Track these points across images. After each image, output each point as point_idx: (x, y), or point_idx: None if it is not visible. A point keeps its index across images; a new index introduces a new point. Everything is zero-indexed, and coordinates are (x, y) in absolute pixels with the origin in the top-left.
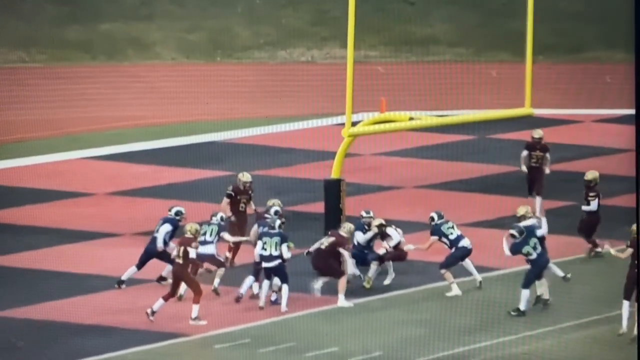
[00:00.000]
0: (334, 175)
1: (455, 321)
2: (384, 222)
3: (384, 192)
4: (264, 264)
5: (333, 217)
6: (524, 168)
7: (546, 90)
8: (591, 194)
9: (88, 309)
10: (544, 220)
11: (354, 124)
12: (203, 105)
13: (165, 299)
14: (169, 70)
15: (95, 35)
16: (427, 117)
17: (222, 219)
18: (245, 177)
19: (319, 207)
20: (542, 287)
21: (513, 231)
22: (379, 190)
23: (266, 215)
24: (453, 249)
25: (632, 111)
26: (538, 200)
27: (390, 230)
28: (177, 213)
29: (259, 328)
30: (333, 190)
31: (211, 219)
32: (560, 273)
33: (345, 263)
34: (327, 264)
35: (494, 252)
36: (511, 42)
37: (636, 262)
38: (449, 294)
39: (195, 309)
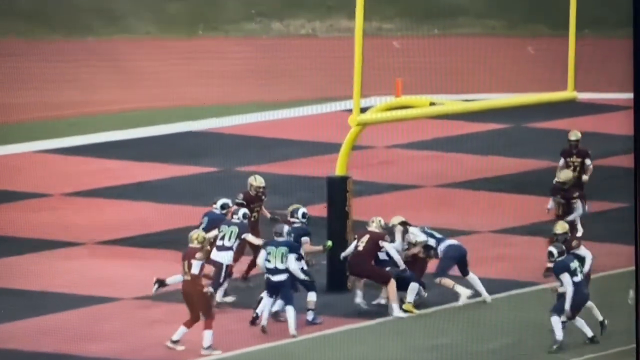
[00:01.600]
0: (339, 171)
1: (481, 346)
2: (405, 220)
3: (398, 192)
4: (268, 278)
5: (338, 222)
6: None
7: (594, 71)
8: (574, 196)
9: (42, 334)
10: (588, 256)
11: (363, 110)
12: (182, 88)
13: (187, 325)
14: (142, 47)
15: (53, 4)
16: (451, 102)
17: (244, 216)
18: (257, 181)
19: (320, 210)
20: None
21: (552, 248)
22: (392, 189)
23: (292, 220)
24: (441, 247)
25: None
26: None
27: (413, 229)
28: (223, 206)
29: (254, 355)
30: (338, 190)
31: (232, 217)
32: (599, 316)
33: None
34: (368, 266)
35: (530, 263)
36: (551, 13)
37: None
38: (460, 303)
39: (207, 337)
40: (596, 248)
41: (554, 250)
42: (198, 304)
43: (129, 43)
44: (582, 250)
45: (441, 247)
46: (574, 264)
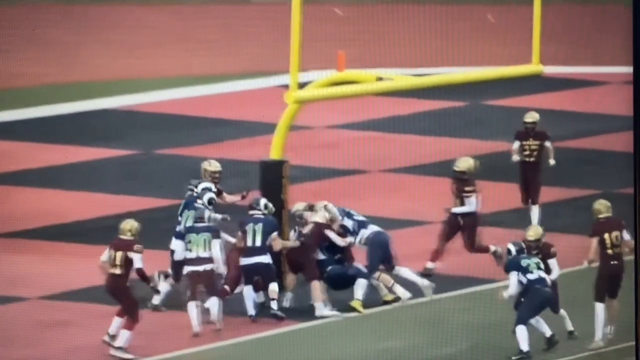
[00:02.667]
0: (274, 155)
1: (438, 351)
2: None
3: (341, 177)
4: (188, 268)
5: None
6: (516, 157)
7: (562, 42)
8: (467, 189)
9: None
10: (555, 270)
11: (301, 86)
12: (92, 59)
13: (119, 314)
14: (50, 13)
15: None
16: (401, 77)
17: (266, 206)
18: (212, 166)
19: (252, 199)
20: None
21: (511, 245)
22: (334, 175)
23: (252, 212)
24: (367, 234)
25: None
26: (535, 212)
27: (331, 206)
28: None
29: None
30: (272, 176)
31: (253, 208)
32: (569, 326)
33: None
34: (308, 260)
35: (489, 258)
36: None
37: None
38: (402, 300)
39: (122, 337)
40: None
41: (512, 248)
42: (122, 302)
43: (36, 9)
44: (553, 264)
45: (367, 234)
46: (529, 260)
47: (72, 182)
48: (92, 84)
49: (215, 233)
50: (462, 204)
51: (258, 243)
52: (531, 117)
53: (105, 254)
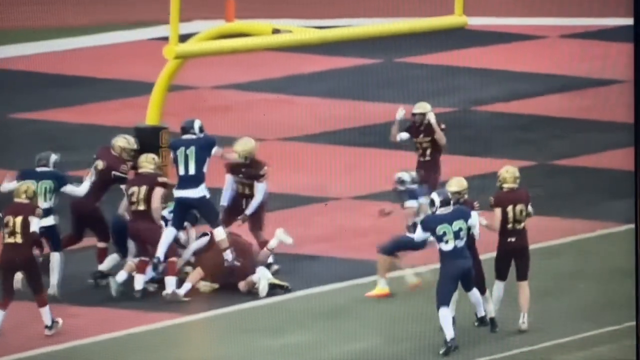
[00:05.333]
0: (150, 120)
1: (339, 348)
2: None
3: (231, 147)
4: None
5: None
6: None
7: None
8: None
9: None
10: (474, 215)
11: (183, 38)
12: None
13: (4, 306)
14: None
15: None
16: (302, 30)
17: (201, 129)
18: (131, 143)
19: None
20: (486, 303)
21: (435, 195)
22: (223, 144)
23: (187, 137)
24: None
25: (630, 21)
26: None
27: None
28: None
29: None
30: (148, 144)
31: (186, 131)
32: (481, 312)
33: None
34: (152, 224)
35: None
36: None
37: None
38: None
39: (46, 314)
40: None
41: (436, 198)
42: (28, 275)
43: None
44: (475, 218)
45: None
46: (447, 227)
47: None
48: None
49: (60, 179)
50: (250, 191)
51: (192, 171)
52: (419, 107)
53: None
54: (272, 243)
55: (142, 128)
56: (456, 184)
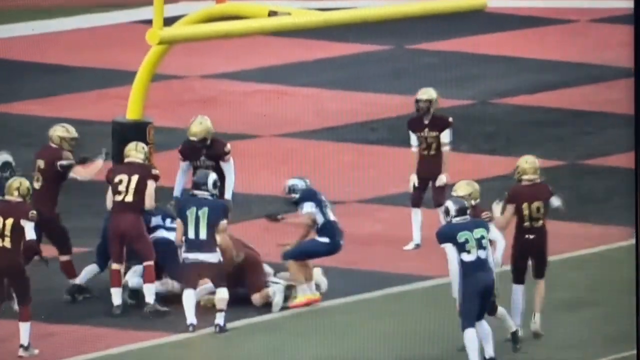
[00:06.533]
0: (132, 114)
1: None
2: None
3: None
4: None
5: None
6: (412, 178)
7: None
8: None
9: None
10: (499, 241)
11: (169, 21)
12: None
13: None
14: None
15: None
16: (301, 12)
17: (214, 184)
18: (71, 132)
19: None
20: (505, 320)
21: (451, 203)
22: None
23: (197, 192)
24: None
25: None
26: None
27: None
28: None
29: None
30: (129, 141)
31: (197, 187)
32: (512, 326)
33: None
34: (139, 228)
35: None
36: None
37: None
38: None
39: (24, 331)
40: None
41: (451, 207)
42: (14, 284)
43: None
44: (493, 232)
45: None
46: (468, 234)
47: None
48: None
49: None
50: None
51: (203, 235)
52: (425, 94)
53: None
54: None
55: (122, 122)
56: (461, 187)
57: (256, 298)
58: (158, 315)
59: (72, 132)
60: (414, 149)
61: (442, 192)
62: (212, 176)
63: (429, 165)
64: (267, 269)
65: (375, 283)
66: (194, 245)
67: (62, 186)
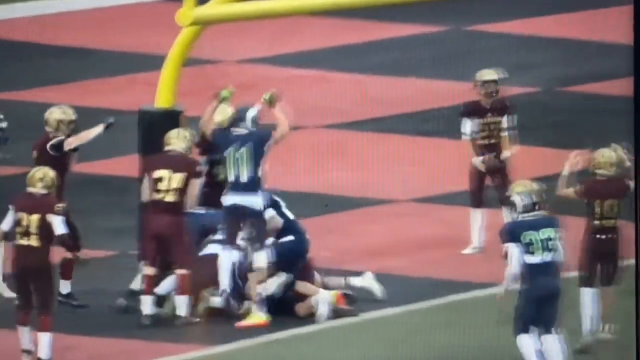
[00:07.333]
0: (161, 102)
1: None
2: None
3: None
4: None
5: None
6: (476, 161)
7: None
8: None
9: None
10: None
11: (202, 1)
12: None
13: (24, 321)
14: None
15: None
16: None
17: (254, 120)
18: (68, 114)
19: (125, 164)
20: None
21: (517, 197)
22: None
23: (236, 130)
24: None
25: None
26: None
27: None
28: None
29: None
30: (158, 131)
31: (234, 123)
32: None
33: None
34: (180, 231)
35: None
36: None
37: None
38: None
39: (45, 343)
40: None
41: (518, 201)
42: (39, 288)
43: None
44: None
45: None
46: (534, 234)
47: None
48: None
49: None
50: None
51: (244, 177)
52: (487, 74)
53: (8, 219)
54: (355, 281)
55: (150, 111)
56: (519, 186)
57: (300, 308)
58: (189, 327)
59: (70, 114)
60: (468, 137)
61: (504, 179)
62: (252, 111)
63: (489, 162)
64: (318, 276)
65: (430, 291)
66: (235, 188)
67: (67, 176)
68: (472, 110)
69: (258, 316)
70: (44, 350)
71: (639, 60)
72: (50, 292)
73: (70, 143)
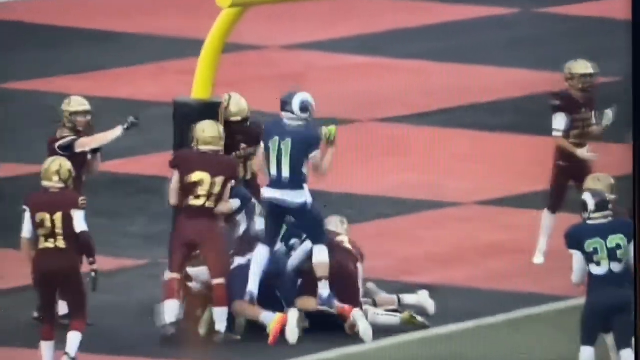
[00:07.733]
0: (198, 92)
1: None
2: None
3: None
4: None
5: None
6: (583, 153)
7: None
8: None
9: None
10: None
11: None
12: None
13: (49, 335)
14: None
15: None
16: None
17: (304, 107)
18: (74, 104)
19: (155, 162)
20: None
21: (588, 196)
22: None
23: (288, 116)
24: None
25: None
26: None
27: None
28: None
29: None
30: (194, 125)
31: (282, 108)
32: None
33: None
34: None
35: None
36: None
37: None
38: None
39: (73, 341)
40: None
41: (589, 200)
42: (70, 291)
43: None
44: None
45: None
46: (599, 242)
47: None
48: None
49: None
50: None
51: (286, 172)
52: (582, 67)
53: (27, 224)
54: (409, 299)
55: (186, 103)
56: (592, 181)
57: (348, 328)
58: (229, 343)
59: (84, 103)
60: (559, 133)
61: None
62: (300, 96)
63: (575, 163)
64: (372, 286)
65: (496, 305)
66: (275, 184)
67: (83, 175)
68: (567, 104)
69: (274, 319)
70: (72, 347)
71: None
72: (83, 295)
73: (84, 144)
